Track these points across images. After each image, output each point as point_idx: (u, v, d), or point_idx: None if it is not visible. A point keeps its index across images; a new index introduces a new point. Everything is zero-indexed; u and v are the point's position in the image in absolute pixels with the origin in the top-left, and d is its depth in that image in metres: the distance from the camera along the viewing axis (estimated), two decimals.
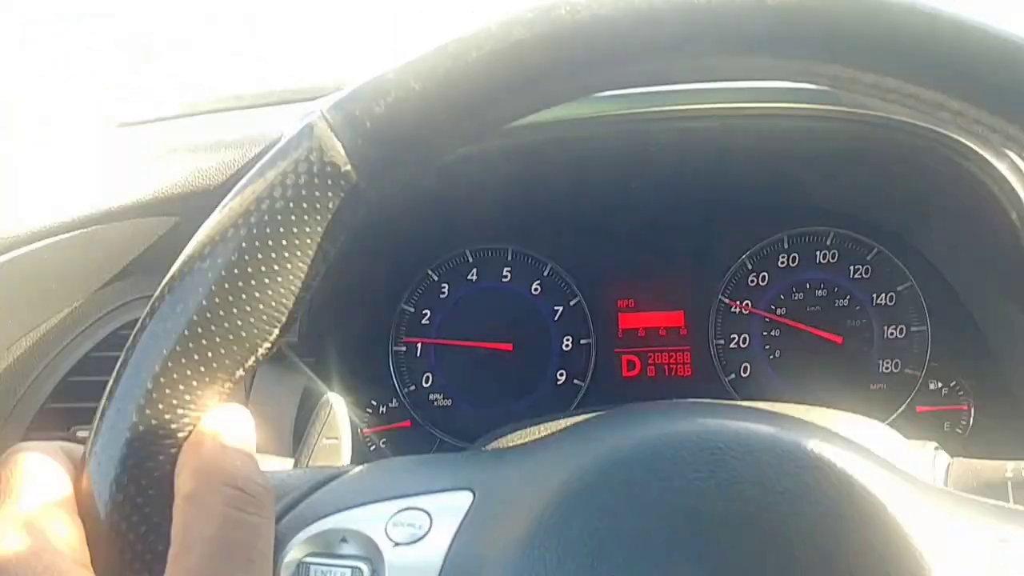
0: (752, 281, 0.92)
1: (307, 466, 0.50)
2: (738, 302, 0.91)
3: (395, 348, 0.92)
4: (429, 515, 0.39)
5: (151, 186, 0.85)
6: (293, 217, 0.34)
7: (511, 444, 0.57)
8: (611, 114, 0.71)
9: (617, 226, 0.92)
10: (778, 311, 0.91)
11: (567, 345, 0.93)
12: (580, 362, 0.93)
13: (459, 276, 0.93)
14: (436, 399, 0.93)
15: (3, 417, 0.78)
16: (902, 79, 0.34)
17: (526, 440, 0.52)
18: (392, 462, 0.45)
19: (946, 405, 0.89)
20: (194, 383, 0.34)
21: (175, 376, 0.34)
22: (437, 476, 0.42)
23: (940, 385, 0.89)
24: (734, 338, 0.92)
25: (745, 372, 0.91)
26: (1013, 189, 0.68)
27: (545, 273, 0.93)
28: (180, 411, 0.34)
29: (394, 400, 0.92)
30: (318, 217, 0.35)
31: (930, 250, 0.88)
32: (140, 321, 0.35)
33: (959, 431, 0.88)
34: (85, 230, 0.84)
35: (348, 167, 0.35)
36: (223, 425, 0.35)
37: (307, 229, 0.35)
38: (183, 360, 0.34)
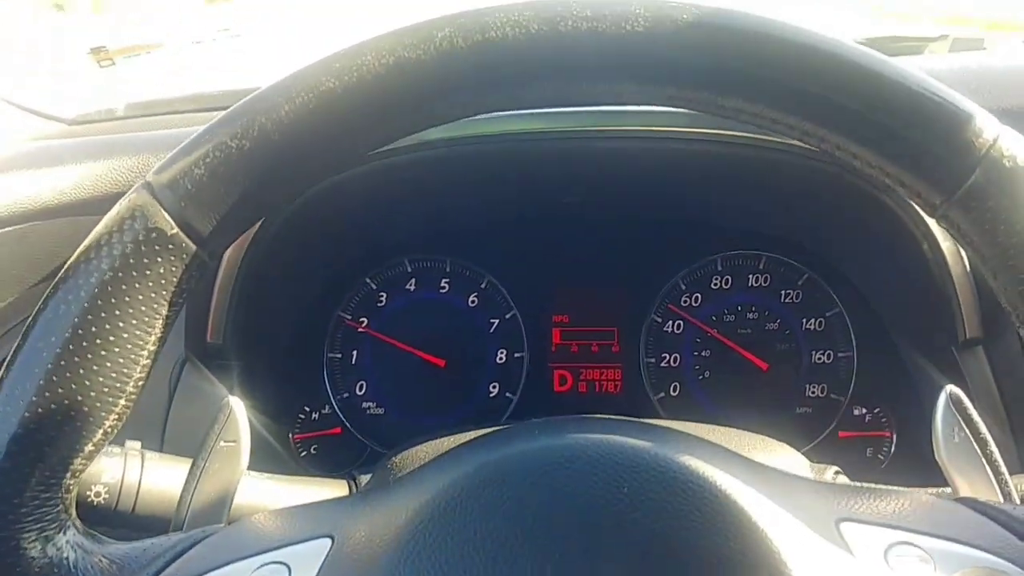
0: (685, 301, 0.93)
1: (203, 468, 0.49)
2: (670, 322, 0.93)
3: (330, 355, 0.93)
4: (288, 567, 0.38)
5: (93, 184, 0.86)
6: (124, 287, 0.35)
7: (407, 462, 0.58)
8: (535, 130, 0.72)
9: (554, 242, 0.93)
10: (709, 332, 0.92)
11: (501, 358, 0.94)
12: (513, 375, 0.94)
13: (397, 285, 0.94)
14: (369, 407, 0.93)
15: None
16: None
17: (425, 460, 0.52)
18: (257, 517, 0.44)
19: (869, 431, 0.90)
20: (37, 468, 0.35)
21: (15, 463, 0.34)
22: (297, 527, 0.42)
23: (864, 411, 0.91)
24: (665, 357, 0.93)
25: (675, 391, 0.92)
26: (922, 218, 0.70)
27: (482, 286, 0.94)
28: (31, 498, 0.35)
29: (326, 407, 0.92)
30: (150, 284, 0.35)
31: (857, 278, 0.89)
32: None
33: (881, 457, 0.90)
34: (23, 225, 0.85)
35: (175, 231, 0.35)
36: None
37: (140, 296, 0.35)
38: (20, 444, 0.34)
